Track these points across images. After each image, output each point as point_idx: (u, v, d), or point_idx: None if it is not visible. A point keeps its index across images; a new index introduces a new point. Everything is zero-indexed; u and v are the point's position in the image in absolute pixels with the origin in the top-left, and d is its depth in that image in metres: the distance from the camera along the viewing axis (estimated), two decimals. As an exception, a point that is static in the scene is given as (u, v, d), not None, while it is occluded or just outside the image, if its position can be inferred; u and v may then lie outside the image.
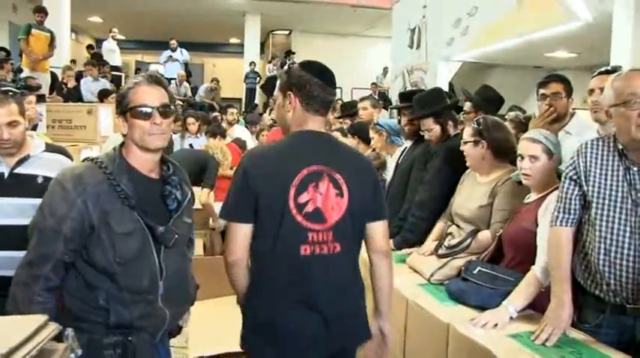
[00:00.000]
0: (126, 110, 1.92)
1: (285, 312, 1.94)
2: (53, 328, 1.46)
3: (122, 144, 2.00)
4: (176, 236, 1.93)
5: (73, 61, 12.38)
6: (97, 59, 11.37)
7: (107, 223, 1.82)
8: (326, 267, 1.96)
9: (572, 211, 2.10)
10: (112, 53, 12.81)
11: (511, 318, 2.17)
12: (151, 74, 2.05)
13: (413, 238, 3.28)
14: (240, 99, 15.40)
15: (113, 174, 1.87)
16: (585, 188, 2.07)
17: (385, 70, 15.26)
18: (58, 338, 1.51)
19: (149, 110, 1.91)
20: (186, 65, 13.60)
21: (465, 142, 2.81)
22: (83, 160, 1.97)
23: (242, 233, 1.95)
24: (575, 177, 2.10)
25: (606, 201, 2.02)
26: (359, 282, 2.10)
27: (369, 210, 2.05)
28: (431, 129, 3.36)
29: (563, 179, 2.14)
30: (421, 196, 3.32)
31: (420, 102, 3.48)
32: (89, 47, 14.11)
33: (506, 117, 4.14)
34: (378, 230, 2.08)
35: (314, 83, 1.99)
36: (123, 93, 1.95)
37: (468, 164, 2.86)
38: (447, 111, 3.37)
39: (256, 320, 2.01)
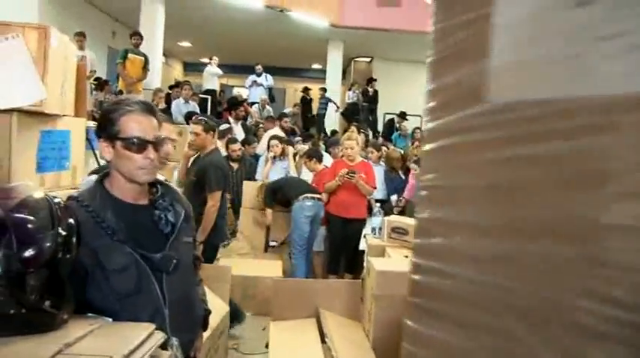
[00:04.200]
0: (114, 137, 1.79)
1: None
2: (160, 337, 1.58)
3: (105, 175, 1.91)
4: (174, 260, 1.84)
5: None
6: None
7: (99, 262, 1.72)
8: None
9: None
10: (212, 77, 13.42)
11: None
12: (145, 102, 1.93)
13: None
14: (321, 124, 15.66)
15: (96, 210, 1.76)
16: None
17: None
18: (163, 346, 1.64)
19: (143, 144, 1.79)
20: (270, 90, 13.99)
21: None
22: (67, 199, 1.80)
23: None
24: None
25: None
26: None
27: None
28: None
29: None
30: None
31: None
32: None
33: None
34: None
35: None
36: (112, 118, 1.79)
37: None
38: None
39: None
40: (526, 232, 0.71)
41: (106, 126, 1.80)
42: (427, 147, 0.93)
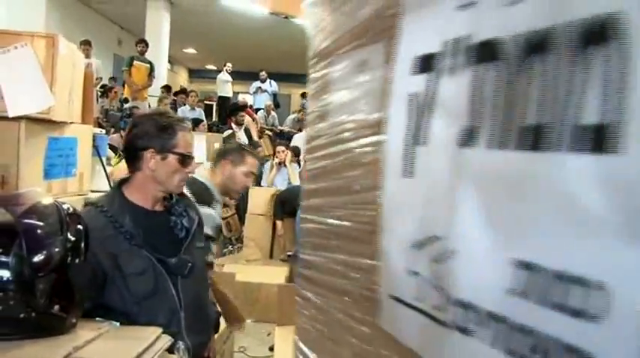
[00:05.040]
0: (169, 150, 1.88)
1: None
2: (166, 340, 1.60)
3: (123, 182, 1.97)
4: (189, 264, 1.90)
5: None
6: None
7: (118, 266, 1.78)
8: None
9: None
10: (225, 84, 13.47)
11: None
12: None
13: None
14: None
15: (115, 215, 1.83)
16: None
17: None
18: (170, 349, 1.66)
19: (190, 159, 1.94)
20: (274, 96, 14.00)
21: None
22: (85, 205, 1.86)
23: None
24: None
25: None
26: None
27: None
28: None
29: None
30: None
31: None
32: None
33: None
34: None
35: None
36: (171, 131, 1.89)
37: None
38: None
39: None
40: (342, 191, 1.19)
41: (161, 137, 1.88)
42: (307, 146, 1.45)
